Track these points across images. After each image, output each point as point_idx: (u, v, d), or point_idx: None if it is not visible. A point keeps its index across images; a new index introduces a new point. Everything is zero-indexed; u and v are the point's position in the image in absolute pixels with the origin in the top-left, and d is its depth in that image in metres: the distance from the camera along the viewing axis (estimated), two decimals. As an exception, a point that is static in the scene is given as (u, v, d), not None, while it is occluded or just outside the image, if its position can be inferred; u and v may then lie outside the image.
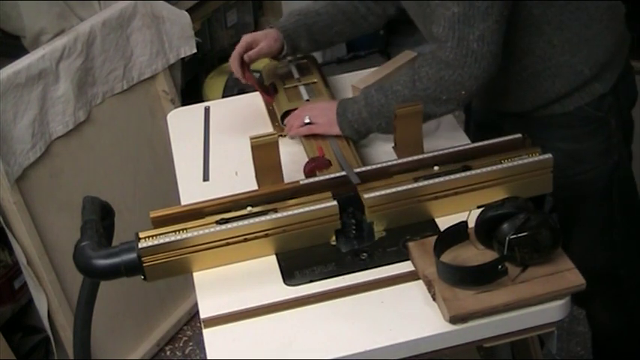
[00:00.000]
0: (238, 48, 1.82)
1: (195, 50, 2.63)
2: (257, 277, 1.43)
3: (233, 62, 1.82)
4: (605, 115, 1.68)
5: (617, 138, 1.71)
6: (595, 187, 1.73)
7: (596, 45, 1.63)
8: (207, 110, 1.94)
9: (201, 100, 2.62)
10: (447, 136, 1.74)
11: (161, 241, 1.40)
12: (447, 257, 1.37)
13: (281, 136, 1.75)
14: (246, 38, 1.84)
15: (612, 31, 1.66)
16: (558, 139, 1.64)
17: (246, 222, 1.43)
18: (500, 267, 1.31)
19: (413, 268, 1.40)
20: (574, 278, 1.33)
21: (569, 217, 1.77)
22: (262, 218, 1.44)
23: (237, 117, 1.91)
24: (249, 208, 1.47)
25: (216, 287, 1.42)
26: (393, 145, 1.65)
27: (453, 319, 1.30)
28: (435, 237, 1.38)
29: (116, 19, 2.40)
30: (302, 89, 1.85)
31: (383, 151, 1.70)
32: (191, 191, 1.66)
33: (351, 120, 1.65)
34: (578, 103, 1.67)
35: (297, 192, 1.51)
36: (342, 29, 1.89)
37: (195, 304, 1.83)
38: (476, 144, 1.58)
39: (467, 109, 2.09)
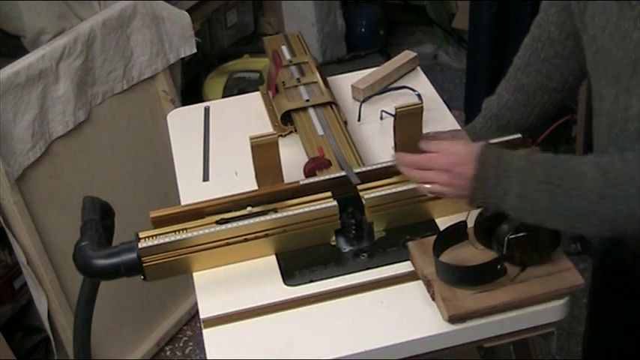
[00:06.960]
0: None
1: (195, 50, 2.63)
2: (257, 277, 1.43)
3: None
4: None
5: None
6: None
7: None
8: (207, 110, 1.94)
9: (201, 100, 2.61)
10: (447, 136, 1.73)
11: (161, 241, 1.41)
12: (447, 257, 1.38)
13: (281, 136, 1.76)
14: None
15: None
16: None
17: (246, 222, 1.43)
18: (499, 267, 1.31)
19: (413, 268, 1.40)
20: (573, 278, 1.34)
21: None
22: (262, 218, 1.44)
23: (237, 117, 1.91)
24: (249, 208, 1.48)
25: (216, 287, 1.42)
26: (393, 145, 1.65)
27: (452, 319, 1.30)
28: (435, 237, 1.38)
29: (116, 19, 2.40)
30: (302, 89, 1.85)
31: (383, 151, 1.70)
32: (191, 191, 1.66)
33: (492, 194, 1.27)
34: None
35: (297, 192, 1.51)
36: (542, 109, 1.59)
37: (195, 304, 1.83)
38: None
39: (467, 119, 1.97)
